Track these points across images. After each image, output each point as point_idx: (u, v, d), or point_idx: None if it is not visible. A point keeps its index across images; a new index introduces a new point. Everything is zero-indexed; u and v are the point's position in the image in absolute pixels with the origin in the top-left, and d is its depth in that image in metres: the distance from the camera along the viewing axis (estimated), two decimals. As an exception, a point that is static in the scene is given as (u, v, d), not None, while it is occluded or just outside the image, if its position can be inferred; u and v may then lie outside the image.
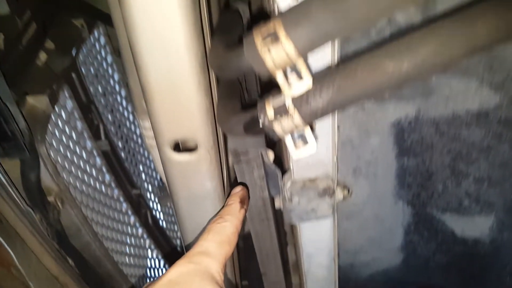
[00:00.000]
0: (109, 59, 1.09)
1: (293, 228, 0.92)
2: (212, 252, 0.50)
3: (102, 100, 1.05)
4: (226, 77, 0.43)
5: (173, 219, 1.40)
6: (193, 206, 0.56)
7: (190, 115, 0.44)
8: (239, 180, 0.64)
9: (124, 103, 1.16)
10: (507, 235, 0.54)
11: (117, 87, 1.14)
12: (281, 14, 0.33)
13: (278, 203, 0.61)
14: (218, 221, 0.53)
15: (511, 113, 0.45)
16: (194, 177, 0.51)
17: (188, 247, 0.66)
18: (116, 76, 1.13)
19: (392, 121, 0.50)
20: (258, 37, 0.33)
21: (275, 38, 0.32)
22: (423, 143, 0.51)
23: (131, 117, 1.19)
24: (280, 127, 0.37)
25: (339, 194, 0.58)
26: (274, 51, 0.32)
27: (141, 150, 1.28)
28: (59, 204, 0.77)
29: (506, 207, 0.52)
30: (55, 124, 0.80)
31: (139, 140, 1.25)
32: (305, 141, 0.38)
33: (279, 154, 0.62)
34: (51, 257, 0.75)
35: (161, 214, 1.41)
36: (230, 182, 0.66)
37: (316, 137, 0.42)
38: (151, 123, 0.47)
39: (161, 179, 1.22)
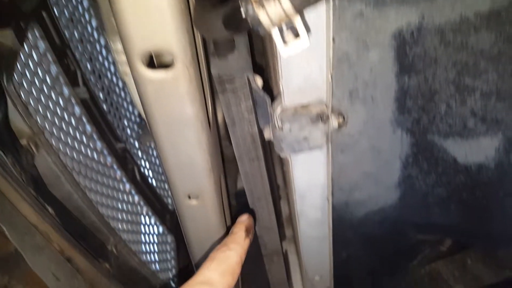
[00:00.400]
0: (85, 3, 1.02)
1: (285, 176, 0.88)
2: (215, 282, 0.48)
3: (79, 47, 0.98)
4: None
5: (163, 177, 1.37)
6: (173, 135, 0.51)
7: (163, 19, 0.38)
8: (225, 114, 0.59)
9: (104, 52, 1.10)
10: (514, 156, 0.50)
11: (95, 35, 1.08)
12: None
13: (268, 134, 0.56)
14: (222, 249, 0.52)
15: (526, 11, 0.40)
16: (172, 99, 0.45)
17: (172, 184, 0.62)
18: (93, 23, 1.06)
19: (393, 31, 0.45)
20: None
21: None
22: (426, 57, 0.46)
23: (112, 68, 1.13)
24: (266, 16, 0.31)
25: (334, 121, 0.54)
26: None
27: (125, 104, 1.22)
28: (33, 148, 0.72)
29: (515, 124, 0.48)
30: (24, 63, 0.74)
31: (122, 94, 1.19)
32: (295, 34, 0.33)
33: (267, 80, 0.57)
34: (28, 204, 0.71)
35: (150, 171, 1.37)
36: (215, 111, 0.61)
37: (304, 64, 0.37)
38: (119, 35, 0.41)
39: (140, 116, 1.17)
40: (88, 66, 1.01)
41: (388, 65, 0.48)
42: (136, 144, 1.29)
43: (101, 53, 1.09)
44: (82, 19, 1.03)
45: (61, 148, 0.86)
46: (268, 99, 0.53)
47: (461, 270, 1.12)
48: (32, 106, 0.74)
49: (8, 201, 0.66)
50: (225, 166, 1.16)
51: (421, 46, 0.46)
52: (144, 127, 1.04)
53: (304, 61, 0.47)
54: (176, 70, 0.42)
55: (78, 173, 0.91)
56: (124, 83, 1.14)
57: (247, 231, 0.57)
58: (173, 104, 0.46)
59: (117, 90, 1.16)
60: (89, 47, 1.03)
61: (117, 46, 0.54)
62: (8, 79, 0.66)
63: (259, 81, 0.54)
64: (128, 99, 1.23)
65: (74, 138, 0.93)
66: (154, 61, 0.43)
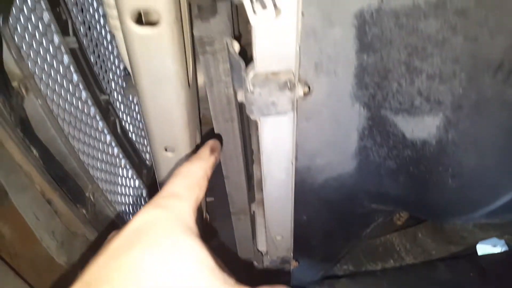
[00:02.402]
0: None
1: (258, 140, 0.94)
2: (181, 194, 0.46)
3: None
4: None
5: (143, 133, 1.42)
6: (155, 89, 0.56)
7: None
8: (204, 74, 0.64)
9: (95, 4, 1.12)
10: (451, 134, 0.57)
11: None
12: None
13: (240, 96, 0.62)
14: (185, 165, 0.50)
15: (466, 2, 0.47)
16: (156, 54, 0.51)
17: (151, 136, 0.68)
18: None
19: (355, 11, 0.51)
20: None
21: None
22: (383, 38, 0.52)
23: (102, 21, 1.16)
24: (238, -14, 0.37)
25: (300, 90, 0.60)
26: None
27: (111, 58, 1.26)
28: (23, 90, 0.77)
29: (453, 105, 0.55)
30: (19, 8, 0.77)
31: (110, 47, 1.22)
32: (263, 6, 0.39)
33: (246, 45, 0.63)
34: (14, 144, 0.76)
35: (131, 126, 1.42)
36: (195, 72, 0.66)
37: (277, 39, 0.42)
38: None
39: (126, 69, 1.21)
40: (79, 16, 1.04)
41: (349, 42, 0.54)
42: (119, 97, 1.34)
43: (92, 4, 1.12)
44: (75, -32, 1.04)
45: (48, 93, 0.90)
46: (242, 64, 0.58)
47: (412, 243, 1.22)
48: (24, 50, 0.78)
49: (-3, 138, 0.71)
50: (203, 127, 1.21)
51: (379, 27, 0.52)
52: (128, 80, 1.08)
53: (276, 31, 0.52)
54: (161, 28, 0.48)
55: (63, 119, 0.96)
56: (113, 36, 1.17)
57: (212, 150, 0.54)
58: (156, 59, 0.51)
59: (105, 43, 1.20)
60: (80, -1, 1.06)
61: (109, 0, 0.58)
62: (4, 21, 0.70)
63: (236, 45, 0.59)
64: (115, 53, 1.26)
65: (61, 85, 0.97)
66: (142, 19, 0.48)
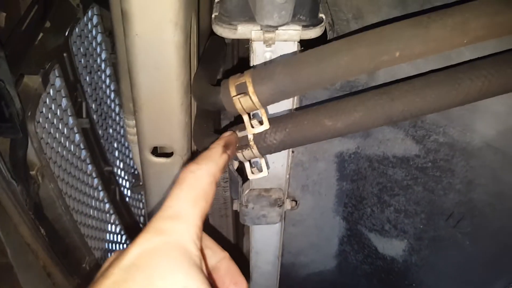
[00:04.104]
0: (99, 38, 1.12)
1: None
2: (185, 214, 0.39)
3: (88, 78, 1.08)
4: (203, 107, 0.53)
5: (138, 196, 1.48)
6: None
7: (171, 129, 0.53)
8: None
9: (107, 81, 1.20)
10: (414, 258, 0.66)
11: (103, 66, 1.18)
12: (253, 70, 0.43)
13: (236, 206, 0.71)
14: (191, 169, 0.42)
15: (426, 162, 0.57)
16: (168, 179, 0.60)
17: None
18: (103, 55, 1.16)
19: (336, 152, 0.61)
20: (232, 87, 0.42)
21: (245, 91, 0.41)
22: (359, 173, 0.62)
23: (112, 95, 1.24)
24: (241, 155, 0.46)
25: (288, 205, 0.69)
26: (243, 100, 0.42)
27: (118, 128, 1.33)
28: (40, 178, 0.84)
29: (415, 236, 0.64)
30: (43, 101, 0.85)
31: (117, 118, 1.30)
32: (259, 169, 0.48)
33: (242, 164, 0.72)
34: (27, 226, 0.81)
35: (128, 190, 1.48)
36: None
37: (272, 163, 0.52)
38: (136, 128, 0.56)
39: (137, 169, 1.28)
40: (92, 95, 1.12)
41: (331, 172, 0.64)
42: (121, 165, 1.40)
43: (105, 82, 1.20)
44: (94, 53, 1.13)
45: (59, 175, 0.97)
46: (240, 181, 0.67)
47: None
48: (43, 140, 0.85)
49: (13, 224, 0.77)
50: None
51: (356, 165, 0.62)
52: (138, 178, 1.16)
53: (271, 161, 0.62)
54: (173, 159, 0.57)
55: (69, 196, 1.02)
56: (122, 116, 1.24)
57: (226, 146, 0.45)
58: (168, 183, 0.60)
59: (113, 115, 1.28)
60: (95, 78, 1.14)
61: (130, 122, 0.68)
62: (31, 119, 0.78)
63: (235, 164, 0.68)
64: (121, 124, 1.34)
65: (71, 164, 1.03)
66: (157, 150, 0.57)
